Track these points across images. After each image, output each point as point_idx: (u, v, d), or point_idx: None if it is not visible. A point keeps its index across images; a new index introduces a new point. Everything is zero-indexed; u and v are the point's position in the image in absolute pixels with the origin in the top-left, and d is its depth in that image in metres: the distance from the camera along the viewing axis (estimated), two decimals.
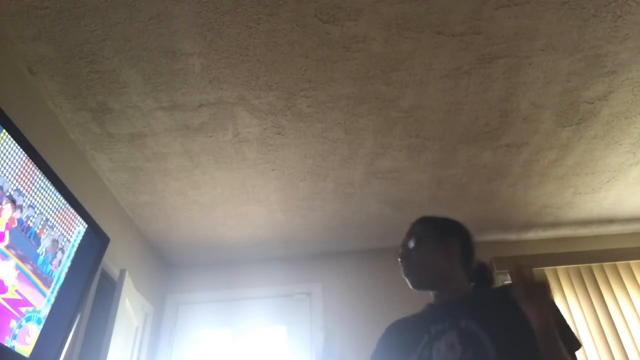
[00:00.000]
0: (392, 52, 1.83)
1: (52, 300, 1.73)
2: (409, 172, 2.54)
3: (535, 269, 3.05)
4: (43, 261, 1.63)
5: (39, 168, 1.61)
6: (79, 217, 1.84)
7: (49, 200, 1.67)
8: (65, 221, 1.77)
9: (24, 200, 1.53)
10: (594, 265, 2.98)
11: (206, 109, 2.06)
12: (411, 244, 1.30)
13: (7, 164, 1.44)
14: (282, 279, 3.29)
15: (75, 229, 1.84)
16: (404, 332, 1.26)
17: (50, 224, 1.66)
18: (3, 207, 1.44)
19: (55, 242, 1.69)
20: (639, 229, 3.20)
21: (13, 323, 1.51)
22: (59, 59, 1.79)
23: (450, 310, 1.17)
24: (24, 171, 1.52)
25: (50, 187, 1.68)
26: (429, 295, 1.30)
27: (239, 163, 2.41)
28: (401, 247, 1.32)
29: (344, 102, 2.06)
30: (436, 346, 1.12)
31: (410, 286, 1.27)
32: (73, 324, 1.89)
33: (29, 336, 1.61)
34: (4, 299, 1.46)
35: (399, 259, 1.30)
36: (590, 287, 2.92)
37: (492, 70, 1.93)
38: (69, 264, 1.82)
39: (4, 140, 1.43)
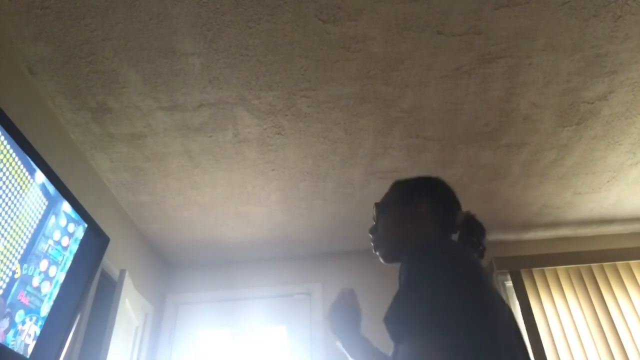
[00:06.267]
0: (392, 52, 1.83)
1: (52, 300, 1.73)
2: (409, 172, 2.54)
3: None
4: None
5: (39, 168, 1.61)
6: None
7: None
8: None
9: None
10: (594, 265, 2.98)
11: (206, 109, 2.06)
12: (375, 215, 1.20)
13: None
14: (282, 279, 3.29)
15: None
16: None
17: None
18: None
19: None
20: (639, 229, 3.20)
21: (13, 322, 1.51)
22: (59, 59, 1.79)
23: None
24: None
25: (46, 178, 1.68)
26: None
27: (239, 163, 2.41)
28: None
29: (344, 102, 2.06)
30: None
31: (382, 261, 1.18)
32: (73, 324, 1.89)
33: (29, 336, 1.61)
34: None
35: (369, 234, 1.20)
36: (590, 287, 2.91)
37: (492, 70, 1.93)
38: (69, 263, 1.82)
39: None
